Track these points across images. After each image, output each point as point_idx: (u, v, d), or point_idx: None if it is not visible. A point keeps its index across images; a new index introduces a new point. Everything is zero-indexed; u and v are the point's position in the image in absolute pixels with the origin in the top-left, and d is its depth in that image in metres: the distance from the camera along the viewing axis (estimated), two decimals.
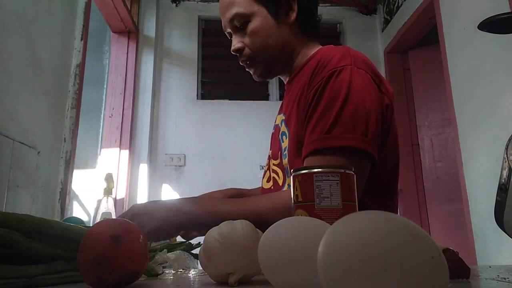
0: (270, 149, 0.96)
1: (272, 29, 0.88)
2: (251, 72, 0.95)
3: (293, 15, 0.89)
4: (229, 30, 0.92)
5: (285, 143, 0.85)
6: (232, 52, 0.92)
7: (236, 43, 0.91)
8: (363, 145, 0.71)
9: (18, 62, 1.42)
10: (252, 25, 0.88)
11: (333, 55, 0.80)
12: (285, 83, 0.98)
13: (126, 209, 2.85)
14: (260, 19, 0.88)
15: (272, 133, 0.97)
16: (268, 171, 0.95)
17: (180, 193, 2.80)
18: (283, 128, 0.87)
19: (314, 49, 0.91)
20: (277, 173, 0.90)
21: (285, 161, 0.84)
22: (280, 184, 0.89)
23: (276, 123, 0.94)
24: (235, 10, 0.88)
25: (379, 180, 0.81)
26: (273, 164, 0.90)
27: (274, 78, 1.07)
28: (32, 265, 0.45)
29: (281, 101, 1.01)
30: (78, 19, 1.92)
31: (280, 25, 0.89)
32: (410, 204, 2.90)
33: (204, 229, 0.74)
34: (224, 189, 1.05)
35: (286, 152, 0.83)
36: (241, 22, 0.88)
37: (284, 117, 0.89)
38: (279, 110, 0.98)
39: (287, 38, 0.90)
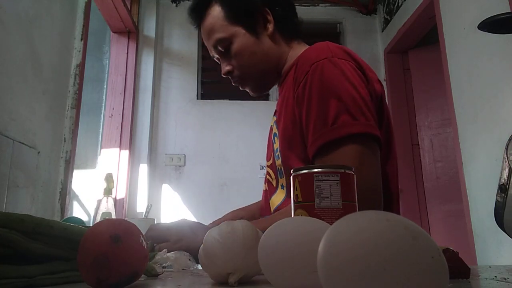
0: (265, 153, 0.99)
1: (254, 45, 0.91)
2: (247, 90, 0.98)
3: (271, 26, 0.92)
4: (216, 55, 0.96)
5: (276, 144, 0.86)
6: (223, 76, 0.95)
7: (224, 66, 0.94)
8: (371, 129, 0.71)
9: (18, 62, 1.42)
10: (235, 46, 0.90)
11: (312, 51, 0.81)
12: (278, 86, 1.00)
13: (127, 210, 2.82)
14: (240, 39, 0.90)
15: (268, 136, 0.99)
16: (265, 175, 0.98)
17: (180, 193, 2.80)
18: (275, 129, 0.89)
19: (301, 50, 0.91)
20: (270, 175, 0.91)
21: (278, 162, 0.84)
22: (274, 185, 0.90)
23: (271, 125, 0.96)
24: (215, 36, 0.91)
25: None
26: (267, 166, 0.92)
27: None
28: (32, 265, 0.45)
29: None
30: (78, 19, 1.92)
31: (261, 39, 0.91)
32: (410, 204, 2.90)
33: None
34: (229, 214, 1.06)
35: (278, 153, 0.84)
36: (224, 46, 0.91)
37: (275, 119, 0.91)
38: (274, 112, 0.99)
39: (270, 49, 0.92)
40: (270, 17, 0.92)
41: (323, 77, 0.75)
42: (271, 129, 0.93)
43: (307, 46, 0.93)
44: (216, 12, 0.91)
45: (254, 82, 0.94)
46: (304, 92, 0.76)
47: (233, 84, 0.97)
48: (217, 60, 0.98)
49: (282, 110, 0.85)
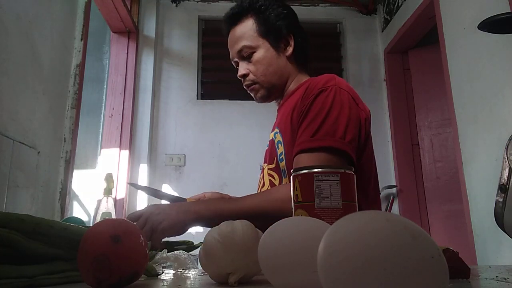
0: (265, 162, 1.09)
1: (273, 59, 1.06)
2: (253, 95, 1.10)
3: (290, 49, 1.08)
4: (236, 59, 1.10)
5: (280, 149, 0.99)
6: (239, 77, 1.08)
7: (242, 70, 1.08)
8: (341, 146, 0.85)
9: (18, 62, 1.42)
10: (257, 55, 1.05)
11: (321, 79, 0.97)
12: (277, 107, 1.14)
13: (127, 210, 2.83)
14: (264, 50, 1.06)
15: (266, 150, 1.11)
16: (262, 179, 1.08)
17: (180, 193, 2.79)
18: (278, 138, 1.01)
19: (304, 79, 1.09)
20: (273, 176, 1.02)
21: (282, 164, 0.98)
22: (277, 184, 1.01)
23: (270, 138, 1.09)
24: (243, 43, 1.06)
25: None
26: (268, 169, 1.03)
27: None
28: (32, 265, 0.45)
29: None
30: (78, 19, 1.92)
31: (280, 56, 1.07)
32: (410, 204, 2.90)
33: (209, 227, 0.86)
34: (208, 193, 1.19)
35: (282, 156, 0.97)
36: (247, 53, 1.06)
37: (277, 131, 1.04)
38: (272, 129, 1.12)
39: (284, 68, 1.08)
40: (292, 42, 1.08)
41: (324, 101, 0.90)
42: (272, 141, 1.06)
43: (309, 77, 1.10)
44: (249, 23, 1.07)
45: (262, 89, 1.08)
46: (306, 108, 0.92)
47: (244, 86, 1.10)
48: (234, 63, 1.13)
49: (287, 123, 0.98)
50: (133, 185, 1.13)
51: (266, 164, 1.07)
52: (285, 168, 0.97)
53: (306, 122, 0.90)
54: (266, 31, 1.06)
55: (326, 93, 0.92)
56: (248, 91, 1.11)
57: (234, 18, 1.09)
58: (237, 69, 1.12)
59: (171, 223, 0.83)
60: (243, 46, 1.06)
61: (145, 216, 0.82)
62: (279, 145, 1.00)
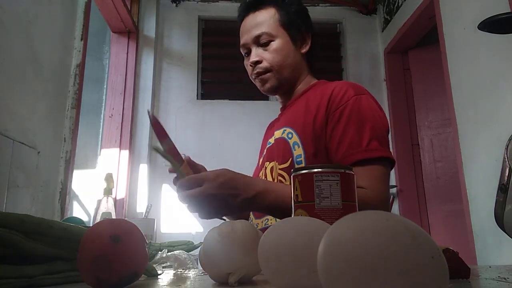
0: (268, 160, 1.06)
1: (290, 52, 1.06)
2: (260, 84, 1.08)
3: (306, 48, 1.09)
4: (249, 45, 1.07)
5: (297, 151, 0.97)
6: (250, 64, 1.06)
7: (255, 56, 1.05)
8: (391, 155, 0.91)
9: (18, 62, 1.42)
10: (276, 44, 1.04)
11: (350, 85, 0.98)
12: (282, 104, 1.14)
13: (126, 210, 2.81)
14: (283, 41, 1.05)
15: (269, 147, 1.09)
16: (264, 177, 1.06)
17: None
18: (294, 138, 0.99)
19: (313, 81, 1.10)
20: (283, 177, 1.01)
21: (300, 166, 0.95)
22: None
23: (276, 136, 1.06)
24: (264, 29, 1.04)
25: None
26: (280, 169, 1.00)
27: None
28: (32, 265, 0.45)
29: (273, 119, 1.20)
30: (78, 19, 1.92)
31: (296, 52, 1.07)
32: (410, 204, 2.90)
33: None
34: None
35: (301, 159, 0.95)
36: (266, 40, 1.04)
37: (290, 130, 1.01)
38: (276, 125, 1.11)
39: (298, 63, 1.08)
40: (309, 41, 1.09)
41: (362, 108, 0.93)
42: (282, 140, 1.03)
43: (317, 80, 1.11)
44: (271, 12, 1.06)
45: (274, 80, 1.06)
46: (343, 115, 0.92)
47: (251, 74, 1.08)
48: (244, 50, 1.10)
49: (307, 127, 0.97)
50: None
51: (273, 163, 1.03)
52: None
53: (351, 131, 0.90)
54: (287, 24, 1.06)
55: (363, 101, 0.93)
56: (256, 80, 1.08)
57: (256, 4, 1.08)
58: (243, 57, 1.11)
59: (225, 212, 0.80)
60: (263, 32, 1.04)
61: (204, 193, 0.74)
62: (296, 146, 0.98)
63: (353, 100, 0.93)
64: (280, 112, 1.17)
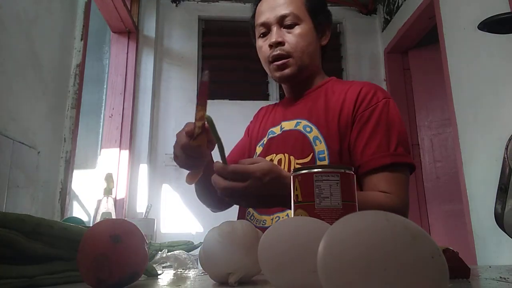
0: (282, 152, 0.98)
1: (313, 40, 1.02)
2: (277, 69, 1.00)
3: (326, 40, 1.06)
4: (270, 24, 1.00)
5: (319, 147, 0.93)
6: (271, 43, 0.98)
7: (277, 37, 0.98)
8: (413, 162, 0.90)
9: (18, 62, 1.42)
10: (301, 28, 0.99)
11: (377, 86, 0.98)
12: (289, 95, 1.09)
13: (126, 210, 2.80)
14: (308, 27, 1.00)
15: (273, 138, 1.03)
16: (272, 156, 0.99)
17: (180, 193, 2.80)
18: (314, 132, 0.95)
19: (325, 76, 1.08)
20: None
21: (322, 162, 0.92)
22: None
23: (286, 128, 1.01)
24: (292, 9, 0.99)
25: None
26: (298, 163, 0.95)
27: (275, 100, 1.17)
28: (32, 265, 0.45)
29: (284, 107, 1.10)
30: (78, 19, 1.92)
31: (317, 41, 1.04)
32: (410, 204, 2.89)
33: None
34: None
35: (324, 155, 0.92)
36: (291, 22, 0.99)
37: (306, 123, 0.98)
38: (281, 116, 1.06)
39: (316, 53, 1.04)
40: (328, 34, 1.06)
41: (390, 112, 0.92)
42: (300, 133, 0.97)
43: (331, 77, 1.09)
44: None
45: (294, 67, 0.99)
46: (372, 117, 0.91)
47: (269, 56, 1.00)
48: (262, 28, 1.02)
49: (332, 123, 0.94)
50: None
51: (284, 155, 0.96)
52: None
53: (380, 134, 0.89)
54: (314, 11, 1.02)
55: (391, 106, 0.93)
56: (273, 64, 1.00)
57: None
58: (255, 39, 1.05)
59: (261, 208, 0.79)
60: (291, 13, 0.98)
61: (246, 191, 0.68)
62: (317, 141, 0.94)
63: (383, 103, 0.93)
64: (283, 102, 1.12)
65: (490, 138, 1.88)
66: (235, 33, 3.27)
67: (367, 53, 3.29)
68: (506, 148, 0.63)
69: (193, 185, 1.11)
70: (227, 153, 0.92)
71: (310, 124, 0.96)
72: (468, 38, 2.06)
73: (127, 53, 2.91)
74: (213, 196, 1.03)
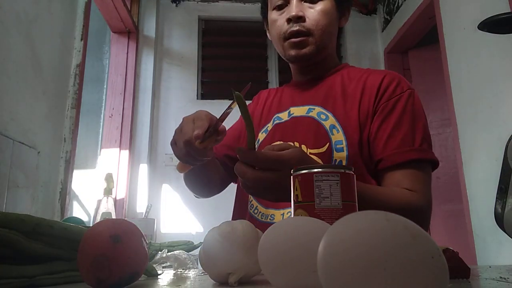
0: (294, 139, 0.89)
1: (334, 20, 0.94)
2: (293, 46, 0.91)
3: (344, 22, 0.99)
4: None
5: (337, 137, 0.85)
6: (290, 17, 0.89)
7: (298, 11, 0.89)
8: (438, 159, 0.84)
9: (18, 62, 1.42)
10: (324, 4, 0.91)
11: (398, 75, 0.91)
12: (297, 78, 1.01)
13: (126, 210, 2.79)
14: (331, 5, 0.93)
15: (287, 121, 0.93)
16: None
17: (180, 193, 2.80)
18: (331, 121, 0.87)
19: (338, 61, 1.01)
20: None
21: (340, 154, 0.84)
22: None
23: (297, 114, 0.92)
24: None
25: None
26: (311, 153, 0.86)
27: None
28: (32, 265, 0.45)
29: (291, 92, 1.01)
30: (78, 19, 1.92)
31: (337, 22, 0.96)
32: None
33: None
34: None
35: (343, 146, 0.84)
36: None
37: (320, 110, 0.89)
38: (289, 101, 0.97)
39: (335, 34, 0.97)
40: (348, 15, 0.99)
41: (416, 104, 0.87)
42: (313, 120, 0.89)
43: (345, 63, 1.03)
44: None
45: (313, 46, 0.91)
46: (396, 107, 0.85)
47: (286, 32, 0.91)
48: (276, 2, 0.93)
49: (351, 111, 0.87)
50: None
51: (294, 144, 0.88)
52: (342, 160, 0.83)
53: (405, 128, 0.83)
54: None
55: (416, 98, 0.87)
56: (288, 41, 0.91)
57: None
58: (267, 11, 0.97)
59: (287, 199, 0.65)
60: None
61: (278, 182, 0.58)
62: (334, 131, 0.86)
63: (408, 93, 0.86)
64: (289, 86, 1.03)
65: (490, 138, 1.88)
66: (235, 33, 3.27)
67: (367, 53, 3.29)
68: (506, 148, 0.63)
69: (188, 188, 1.07)
70: None
71: (325, 111, 0.88)
72: (468, 38, 2.06)
73: (127, 53, 2.91)
74: (204, 183, 0.99)
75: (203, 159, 0.74)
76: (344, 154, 0.83)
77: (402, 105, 0.84)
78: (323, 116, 0.88)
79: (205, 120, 0.72)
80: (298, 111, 0.92)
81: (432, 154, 0.83)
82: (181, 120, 0.77)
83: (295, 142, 0.88)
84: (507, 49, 1.77)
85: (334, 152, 0.84)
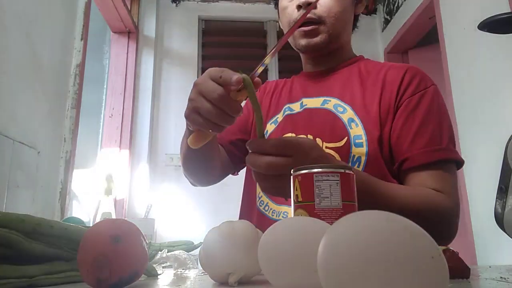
0: (308, 131, 0.85)
1: (348, 6, 0.89)
2: (303, 35, 0.86)
3: (361, 9, 0.93)
4: None
5: (356, 131, 0.81)
6: (300, 3, 0.84)
7: None
8: (463, 160, 0.81)
9: (18, 62, 1.42)
10: None
11: (421, 70, 0.86)
12: (309, 69, 0.96)
13: (126, 210, 2.79)
14: None
15: (299, 112, 0.89)
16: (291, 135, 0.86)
17: (181, 194, 2.80)
18: (350, 114, 0.83)
19: (353, 53, 0.98)
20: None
21: (358, 150, 0.80)
22: None
23: (310, 105, 0.87)
24: None
25: None
26: (327, 147, 0.82)
27: (274, 76, 1.07)
28: (32, 265, 0.45)
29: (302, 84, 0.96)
30: (78, 19, 1.92)
31: (352, 9, 0.91)
32: None
33: None
34: None
35: (362, 141, 0.79)
36: None
37: (337, 102, 0.85)
38: (299, 91, 0.92)
39: (350, 24, 0.93)
40: (365, 1, 0.94)
41: (441, 101, 0.83)
42: (330, 113, 0.84)
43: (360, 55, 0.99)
44: None
45: (325, 35, 0.86)
46: (421, 103, 0.80)
47: (293, 18, 0.86)
48: None
49: (372, 106, 0.82)
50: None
51: (312, 136, 0.83)
52: (362, 156, 0.79)
53: (432, 127, 0.79)
54: None
55: (439, 94, 0.83)
56: (301, 29, 0.85)
57: None
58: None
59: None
60: None
61: (295, 162, 0.54)
62: (353, 124, 0.81)
63: (433, 89, 0.82)
64: (300, 77, 0.97)
65: (490, 138, 1.88)
66: (235, 33, 3.27)
67: (367, 53, 3.25)
68: (506, 148, 0.63)
69: (193, 186, 1.04)
70: None
71: (342, 104, 0.84)
72: (468, 38, 2.06)
73: (127, 53, 2.91)
74: (206, 167, 0.92)
75: (235, 116, 0.61)
76: (364, 150, 0.79)
77: (427, 101, 0.80)
78: (340, 109, 0.83)
79: (232, 71, 0.62)
80: (312, 102, 0.87)
81: (458, 154, 0.80)
82: (190, 91, 0.67)
83: (309, 135, 0.83)
84: (507, 49, 1.77)
85: (353, 147, 0.80)
